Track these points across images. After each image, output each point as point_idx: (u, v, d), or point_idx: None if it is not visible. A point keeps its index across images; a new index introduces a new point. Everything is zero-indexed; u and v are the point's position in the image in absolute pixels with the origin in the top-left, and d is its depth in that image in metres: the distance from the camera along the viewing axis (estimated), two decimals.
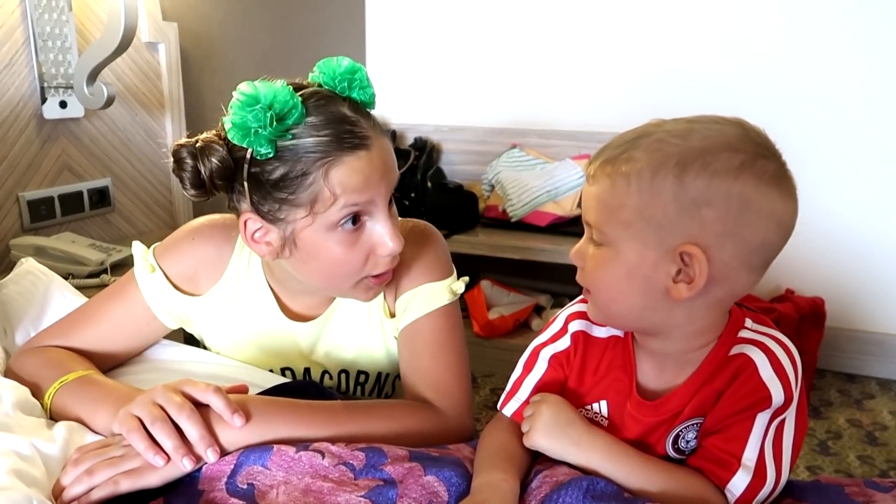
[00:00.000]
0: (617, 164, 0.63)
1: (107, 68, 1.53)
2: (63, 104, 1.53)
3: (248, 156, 0.75)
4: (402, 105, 2.59)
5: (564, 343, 0.76)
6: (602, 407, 0.73)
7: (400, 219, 0.93)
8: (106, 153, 1.68)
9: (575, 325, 0.76)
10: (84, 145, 1.63)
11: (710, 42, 2.20)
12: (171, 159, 0.78)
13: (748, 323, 0.70)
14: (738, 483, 0.64)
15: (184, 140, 0.78)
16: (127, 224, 1.76)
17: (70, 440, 0.73)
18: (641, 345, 0.72)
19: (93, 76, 1.49)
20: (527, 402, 0.76)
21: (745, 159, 0.60)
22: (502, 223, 2.28)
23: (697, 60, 2.22)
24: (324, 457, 0.67)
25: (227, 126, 0.74)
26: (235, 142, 0.74)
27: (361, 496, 0.62)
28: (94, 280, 1.39)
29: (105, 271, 1.41)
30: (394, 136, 2.51)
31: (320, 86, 0.79)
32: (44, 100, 1.50)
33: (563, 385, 0.76)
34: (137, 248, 0.92)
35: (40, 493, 0.63)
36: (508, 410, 0.77)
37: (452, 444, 0.76)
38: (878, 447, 1.85)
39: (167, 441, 0.66)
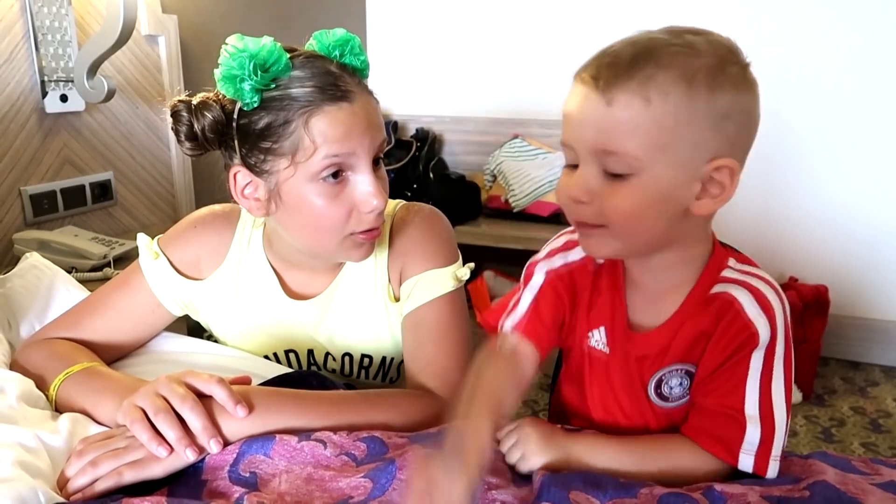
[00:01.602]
0: (646, 80, 0.58)
1: (107, 62, 1.53)
2: (64, 98, 1.53)
3: (237, 107, 0.78)
4: (403, 96, 2.58)
5: (558, 261, 0.75)
6: (601, 334, 0.72)
7: (406, 203, 0.94)
8: (107, 147, 1.68)
9: (572, 254, 0.75)
10: (85, 139, 1.63)
11: (712, 28, 2.18)
12: (169, 114, 0.82)
13: (731, 262, 0.69)
14: (752, 439, 0.64)
15: (183, 97, 0.82)
16: (129, 217, 1.76)
17: (74, 432, 0.73)
18: (631, 276, 0.71)
19: (93, 69, 1.49)
20: (526, 318, 0.74)
21: (742, 71, 0.61)
22: (505, 213, 2.28)
23: None
24: (326, 447, 0.67)
25: (217, 78, 0.77)
26: (224, 92, 0.77)
27: (361, 477, 0.62)
28: (97, 273, 1.39)
29: (108, 265, 1.42)
30: (395, 127, 2.51)
31: (314, 52, 0.81)
32: (44, 94, 1.50)
33: (561, 306, 0.74)
34: (142, 238, 0.94)
35: (45, 485, 0.63)
36: (508, 325, 0.75)
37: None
38: (882, 434, 1.85)
39: (170, 432, 0.67)
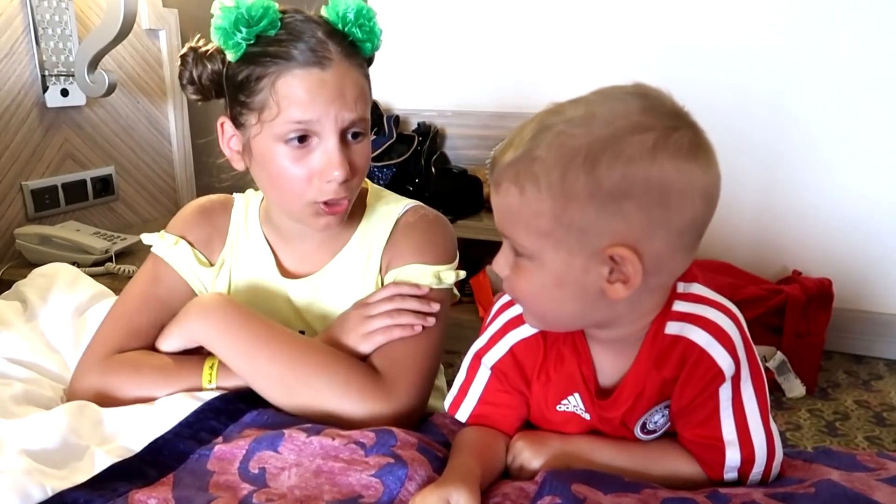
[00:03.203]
0: (521, 168, 0.57)
1: (108, 56, 1.52)
2: (65, 92, 1.53)
3: (229, 58, 0.82)
4: (404, 90, 2.57)
5: (502, 350, 0.72)
6: (577, 399, 0.70)
7: (417, 205, 0.94)
8: (109, 141, 1.68)
9: (514, 334, 0.72)
10: (87, 133, 1.62)
11: (715, 19, 2.17)
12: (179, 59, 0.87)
13: (680, 288, 0.65)
14: (733, 462, 0.64)
15: (195, 44, 0.86)
16: (131, 212, 1.76)
17: (75, 425, 0.73)
18: (590, 334, 0.68)
19: (94, 64, 1.48)
20: (476, 412, 0.74)
21: (657, 138, 0.54)
22: None
23: (703, 38, 2.20)
24: (334, 438, 0.67)
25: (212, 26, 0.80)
26: (216, 42, 0.81)
27: (371, 475, 0.62)
28: (99, 268, 1.39)
29: (110, 259, 1.41)
30: (397, 121, 2.50)
31: (321, 16, 0.83)
32: (45, 88, 1.50)
33: (516, 392, 0.73)
34: (149, 237, 0.93)
35: (49, 477, 0.63)
36: (462, 415, 0.74)
37: (384, 419, 0.76)
38: (886, 428, 1.84)
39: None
